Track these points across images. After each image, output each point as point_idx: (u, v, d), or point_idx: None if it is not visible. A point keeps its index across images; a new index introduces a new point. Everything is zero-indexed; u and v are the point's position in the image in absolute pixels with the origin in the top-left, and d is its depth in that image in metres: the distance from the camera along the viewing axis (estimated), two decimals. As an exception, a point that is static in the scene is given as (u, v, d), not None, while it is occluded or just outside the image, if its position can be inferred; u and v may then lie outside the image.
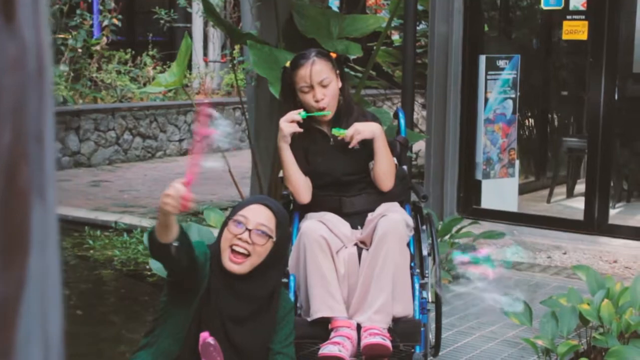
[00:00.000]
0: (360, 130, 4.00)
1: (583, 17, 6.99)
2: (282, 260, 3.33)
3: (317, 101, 4.02)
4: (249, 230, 3.13)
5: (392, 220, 3.83)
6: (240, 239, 3.13)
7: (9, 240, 0.59)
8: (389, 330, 3.80)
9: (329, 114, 4.06)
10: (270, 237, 3.16)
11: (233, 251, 3.13)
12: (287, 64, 4.16)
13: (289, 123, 4.01)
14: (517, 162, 7.75)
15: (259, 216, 3.18)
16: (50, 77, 0.63)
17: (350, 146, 4.01)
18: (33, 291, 0.61)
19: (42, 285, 0.62)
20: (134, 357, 3.21)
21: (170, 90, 11.71)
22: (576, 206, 7.61)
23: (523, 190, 8.18)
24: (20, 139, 0.60)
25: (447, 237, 6.07)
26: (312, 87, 4.02)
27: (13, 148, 0.59)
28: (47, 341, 0.63)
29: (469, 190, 7.55)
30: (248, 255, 3.13)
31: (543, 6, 7.40)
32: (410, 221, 3.99)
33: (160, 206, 2.86)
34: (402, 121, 4.63)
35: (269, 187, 6.09)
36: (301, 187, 4.08)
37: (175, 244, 2.92)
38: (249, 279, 3.15)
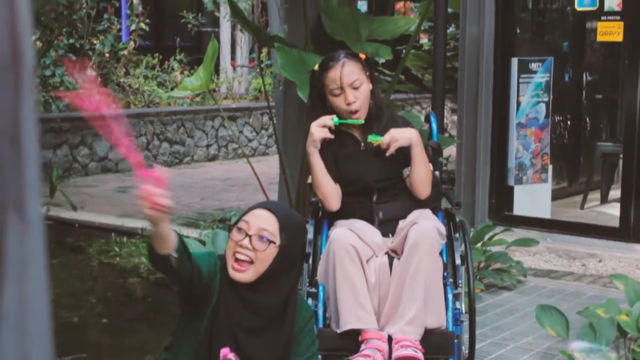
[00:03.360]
0: (398, 137, 3.86)
1: (618, 17, 6.83)
2: (294, 267, 3.16)
3: (348, 104, 3.89)
4: (250, 236, 3.00)
5: (423, 229, 3.70)
6: (241, 245, 2.99)
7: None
8: (421, 342, 3.66)
9: (362, 122, 3.93)
10: (272, 242, 3.02)
11: (237, 259, 2.99)
12: (316, 67, 4.03)
13: (320, 128, 3.88)
14: (550, 168, 7.59)
15: (260, 221, 3.03)
16: (29, 67, 0.51)
17: (387, 154, 3.88)
18: (7, 331, 0.49)
19: (21, 322, 0.51)
20: None
21: (198, 95, 11.66)
22: (611, 212, 7.44)
23: (556, 196, 8.01)
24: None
25: (479, 244, 5.93)
26: (342, 89, 3.88)
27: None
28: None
29: (501, 197, 7.40)
30: (251, 262, 2.99)
31: (577, 7, 7.24)
32: (443, 229, 3.85)
33: (145, 214, 2.68)
34: (435, 125, 4.50)
35: (297, 193, 5.98)
36: (330, 194, 3.96)
37: (175, 255, 2.77)
38: (258, 288, 3.01)
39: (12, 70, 0.50)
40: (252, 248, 2.97)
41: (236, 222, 3.07)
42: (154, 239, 2.74)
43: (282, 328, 3.04)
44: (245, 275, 2.97)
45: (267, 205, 3.13)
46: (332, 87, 3.90)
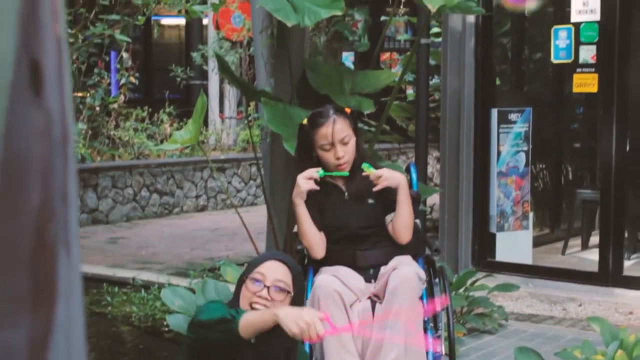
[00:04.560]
0: (387, 177, 4.05)
1: (593, 69, 7.07)
2: None
3: (338, 158, 4.09)
4: (267, 287, 3.18)
5: (403, 274, 3.88)
6: (259, 296, 3.17)
7: (38, 289, 0.65)
8: (403, 383, 3.82)
9: (347, 174, 4.13)
10: (288, 292, 3.22)
11: (253, 309, 3.17)
12: (305, 121, 4.22)
13: (306, 180, 4.07)
14: (531, 215, 7.79)
15: (276, 272, 3.23)
16: (72, 143, 0.70)
17: (373, 189, 4.06)
18: (59, 337, 0.67)
19: (68, 333, 0.69)
20: None
21: (186, 147, 11.84)
22: (591, 258, 7.63)
23: (538, 242, 8.19)
24: (47, 200, 0.66)
25: (461, 289, 6.10)
26: (333, 145, 4.09)
27: (42, 208, 0.66)
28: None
29: (484, 243, 7.58)
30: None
31: (553, 60, 7.49)
32: (423, 274, 4.04)
33: (287, 323, 2.93)
34: (414, 175, 4.69)
35: (285, 242, 6.15)
36: (316, 242, 4.14)
37: (253, 340, 3.00)
38: (270, 335, 3.18)
39: (63, 148, 0.69)
40: (270, 299, 3.16)
41: (247, 273, 3.24)
42: (255, 329, 2.96)
43: None
44: None
45: (279, 257, 3.32)
46: (323, 142, 4.10)
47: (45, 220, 0.66)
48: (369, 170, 4.08)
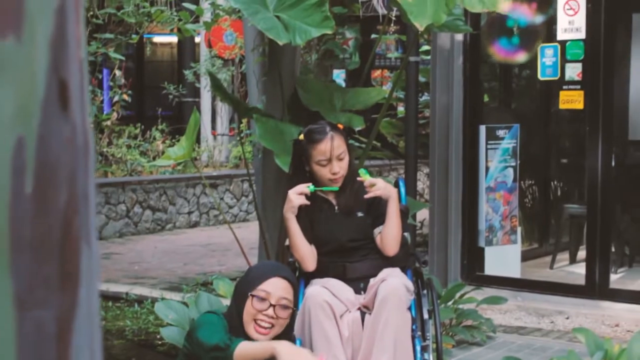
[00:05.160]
0: (381, 187, 4.17)
1: (579, 87, 7.21)
2: (292, 322, 3.49)
3: (334, 174, 4.21)
4: (273, 306, 3.28)
5: (391, 285, 4.00)
6: (265, 315, 3.27)
7: (65, 274, 0.77)
8: (392, 391, 3.93)
9: (337, 189, 4.25)
10: (292, 308, 3.34)
11: (258, 324, 3.26)
12: (301, 137, 4.33)
13: (297, 195, 4.18)
14: (519, 229, 7.91)
15: (280, 290, 3.32)
16: (92, 151, 0.82)
17: (365, 196, 4.18)
18: (83, 313, 0.79)
19: (88, 312, 0.81)
20: None
21: (179, 164, 11.94)
22: (578, 272, 7.75)
23: (526, 257, 8.32)
24: (72, 199, 0.78)
25: (450, 302, 6.21)
26: (330, 160, 4.21)
27: (68, 206, 0.77)
28: (93, 355, 0.81)
29: (473, 258, 7.70)
30: (272, 326, 3.29)
31: (540, 77, 7.64)
32: (410, 285, 4.15)
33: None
34: (403, 189, 4.80)
35: (276, 256, 6.25)
36: (307, 255, 4.25)
37: None
38: None
39: (85, 155, 0.80)
40: (276, 317, 3.27)
41: (250, 288, 3.32)
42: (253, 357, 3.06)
43: None
44: (267, 337, 3.27)
45: (282, 274, 3.41)
46: (320, 158, 4.21)
47: (70, 216, 0.77)
48: (365, 176, 4.20)
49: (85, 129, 0.81)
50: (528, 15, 7.94)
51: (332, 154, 4.19)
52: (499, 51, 8.01)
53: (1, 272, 0.73)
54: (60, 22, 0.77)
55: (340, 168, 4.21)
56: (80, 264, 0.79)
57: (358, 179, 4.22)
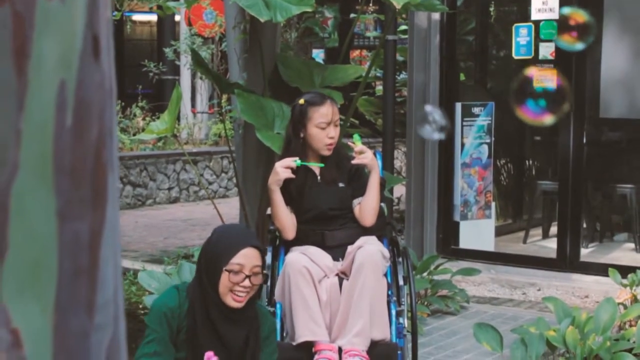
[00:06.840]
0: (368, 156, 4.35)
1: (552, 65, 7.40)
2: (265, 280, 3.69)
3: (331, 137, 4.39)
4: (248, 277, 3.43)
5: (368, 252, 4.18)
6: (242, 286, 3.42)
7: (96, 194, 0.94)
8: (368, 352, 4.12)
9: (322, 165, 4.42)
10: (264, 273, 3.51)
11: (236, 294, 3.42)
12: (301, 101, 4.49)
13: (284, 169, 4.34)
14: (493, 204, 8.11)
15: (252, 259, 3.46)
16: (115, 94, 0.99)
17: (352, 162, 4.37)
18: (109, 228, 0.96)
19: (113, 225, 0.97)
20: None
21: (159, 140, 12.06)
22: (551, 246, 7.96)
23: (501, 232, 8.52)
24: (102, 133, 0.95)
25: (425, 273, 6.40)
26: (329, 124, 4.39)
27: (98, 138, 0.94)
28: (116, 264, 0.98)
29: (448, 232, 7.90)
30: (248, 292, 3.45)
31: (514, 56, 7.82)
32: (386, 252, 4.34)
33: None
34: (380, 162, 4.98)
35: (256, 227, 6.43)
36: (287, 225, 4.42)
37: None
38: (245, 306, 3.46)
39: (111, 97, 0.97)
40: (252, 285, 3.42)
41: (224, 262, 3.44)
42: None
43: (254, 336, 3.48)
44: (243, 303, 3.43)
45: (252, 243, 3.52)
46: (321, 120, 4.39)
47: (100, 147, 0.94)
48: (358, 142, 4.38)
49: (111, 76, 0.97)
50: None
51: (333, 118, 4.39)
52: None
53: (47, 191, 0.89)
54: (93, -13, 0.93)
55: (335, 134, 4.40)
56: (108, 187, 0.95)
57: (350, 143, 4.42)
